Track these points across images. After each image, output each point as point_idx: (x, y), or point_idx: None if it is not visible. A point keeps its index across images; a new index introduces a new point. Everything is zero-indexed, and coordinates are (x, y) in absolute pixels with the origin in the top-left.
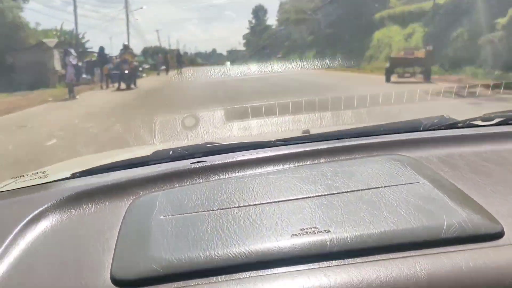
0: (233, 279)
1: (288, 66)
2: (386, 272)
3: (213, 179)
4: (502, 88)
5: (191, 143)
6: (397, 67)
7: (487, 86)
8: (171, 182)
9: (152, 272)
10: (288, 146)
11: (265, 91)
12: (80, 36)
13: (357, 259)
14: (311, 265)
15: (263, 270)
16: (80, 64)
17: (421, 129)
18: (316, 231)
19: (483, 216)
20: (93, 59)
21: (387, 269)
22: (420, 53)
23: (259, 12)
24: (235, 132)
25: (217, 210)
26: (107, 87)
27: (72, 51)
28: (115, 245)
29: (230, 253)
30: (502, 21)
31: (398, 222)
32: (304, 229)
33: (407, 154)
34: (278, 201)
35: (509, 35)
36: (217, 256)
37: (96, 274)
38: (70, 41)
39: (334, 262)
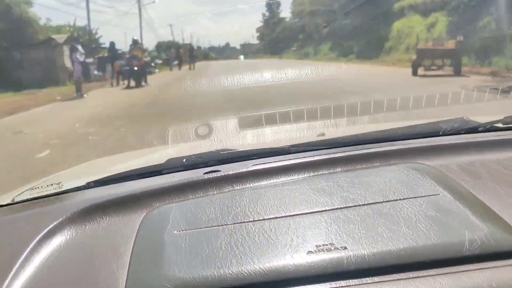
0: None
1: (304, 66)
2: None
3: (227, 190)
4: None
5: (204, 150)
6: (424, 59)
7: None
8: (184, 194)
9: None
10: (303, 153)
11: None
12: (94, 31)
13: (375, 278)
14: (328, 284)
15: None
16: (88, 60)
17: (441, 133)
18: (332, 248)
19: (506, 231)
20: (105, 55)
21: None
22: (450, 44)
23: (272, 5)
24: (249, 136)
25: (231, 224)
26: (118, 84)
27: (79, 47)
28: (129, 262)
29: (245, 272)
30: None
31: (418, 238)
32: (320, 246)
33: (426, 162)
34: (293, 215)
35: None
36: (231, 274)
37: None
38: (82, 37)
39: (352, 282)
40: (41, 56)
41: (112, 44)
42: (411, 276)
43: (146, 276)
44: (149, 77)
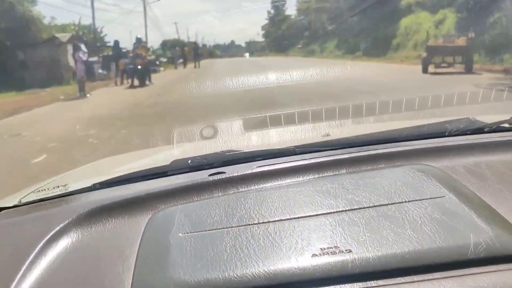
0: None
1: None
2: None
3: (232, 191)
4: None
5: (209, 152)
6: (435, 56)
7: None
8: (189, 195)
9: None
10: (308, 154)
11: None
12: (99, 30)
13: (380, 282)
14: None
15: None
16: (93, 59)
17: (446, 134)
18: (337, 251)
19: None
20: (110, 53)
21: None
22: (462, 41)
23: (278, 2)
24: (254, 137)
25: (236, 227)
26: (122, 83)
27: (82, 46)
28: (135, 264)
29: (249, 275)
30: None
31: (423, 241)
32: (325, 249)
33: (431, 164)
34: (298, 218)
35: None
36: (236, 277)
37: None
38: (88, 35)
39: (356, 285)
40: (44, 55)
41: (116, 42)
42: (416, 279)
43: (152, 279)
44: (153, 76)
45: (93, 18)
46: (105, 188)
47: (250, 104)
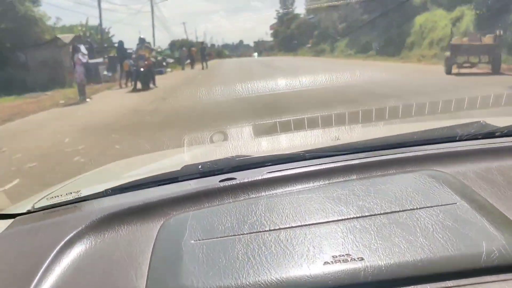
0: None
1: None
2: None
3: (242, 198)
4: None
5: (219, 157)
6: (459, 56)
7: None
8: (200, 202)
9: None
10: (318, 159)
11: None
12: (106, 30)
13: None
14: None
15: None
16: (98, 60)
17: (457, 139)
18: (349, 259)
19: None
20: (115, 55)
21: None
22: (488, 39)
23: (286, 1)
24: (264, 142)
25: (247, 234)
26: (127, 85)
27: (82, 47)
28: (148, 272)
29: (262, 283)
30: None
31: (435, 249)
32: (336, 257)
33: (442, 169)
34: (309, 224)
35: None
36: (249, 285)
37: None
38: (94, 36)
39: None
40: (46, 56)
41: (120, 43)
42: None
43: (165, 287)
44: (159, 77)
45: (100, 18)
46: (117, 193)
47: (262, 110)
